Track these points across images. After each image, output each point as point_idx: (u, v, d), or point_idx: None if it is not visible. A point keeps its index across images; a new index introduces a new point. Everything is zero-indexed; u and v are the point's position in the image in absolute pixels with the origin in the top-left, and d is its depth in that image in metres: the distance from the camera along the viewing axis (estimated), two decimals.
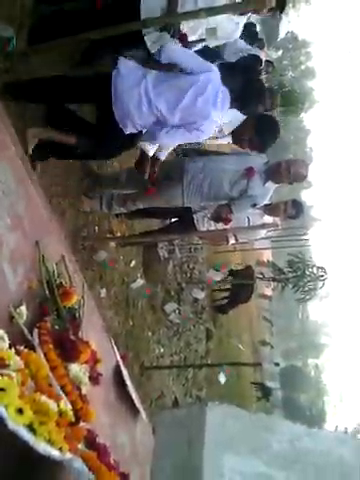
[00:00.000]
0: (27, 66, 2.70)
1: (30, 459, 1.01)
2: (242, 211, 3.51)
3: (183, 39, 2.63)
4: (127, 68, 2.51)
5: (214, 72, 2.53)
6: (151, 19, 2.34)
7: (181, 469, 0.77)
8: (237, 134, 3.01)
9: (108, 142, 2.68)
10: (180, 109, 2.51)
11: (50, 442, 1.01)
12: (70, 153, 2.87)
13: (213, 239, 4.69)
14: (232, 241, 4.18)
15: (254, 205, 3.49)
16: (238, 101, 2.65)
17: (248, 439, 0.80)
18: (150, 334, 4.80)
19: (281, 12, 3.28)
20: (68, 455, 1.06)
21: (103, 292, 3.63)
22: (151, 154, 2.78)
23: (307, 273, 6.43)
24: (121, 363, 2.30)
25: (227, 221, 3.37)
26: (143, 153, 2.80)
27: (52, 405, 1.10)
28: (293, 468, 0.79)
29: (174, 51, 2.50)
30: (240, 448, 0.78)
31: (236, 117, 3.13)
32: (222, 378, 4.74)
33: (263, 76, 4.97)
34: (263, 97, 2.78)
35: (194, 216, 3.87)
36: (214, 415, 0.79)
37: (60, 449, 1.03)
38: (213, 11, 2.23)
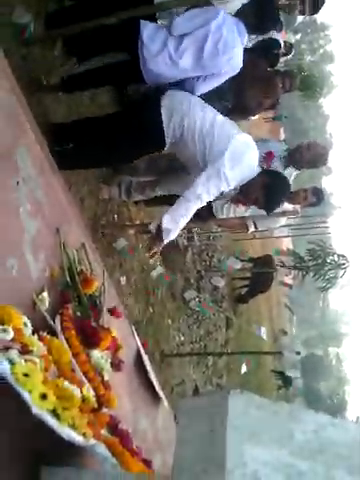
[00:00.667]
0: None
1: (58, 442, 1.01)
2: (264, 222, 3.47)
3: None
4: (149, 35, 2.52)
5: (221, 14, 2.52)
6: (167, 2, 2.30)
7: (203, 457, 0.76)
8: (245, 192, 2.70)
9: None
10: (205, 61, 2.51)
11: (74, 427, 1.01)
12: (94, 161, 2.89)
13: (232, 227, 4.63)
14: (252, 229, 4.12)
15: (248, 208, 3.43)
16: (255, 27, 2.64)
17: (271, 428, 0.78)
18: (170, 322, 4.82)
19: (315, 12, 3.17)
20: (91, 441, 1.07)
21: (123, 280, 3.64)
22: (172, 237, 2.65)
23: (328, 261, 6.34)
24: (142, 350, 2.31)
25: (246, 202, 3.27)
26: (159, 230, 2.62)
27: (75, 391, 1.11)
28: (317, 458, 0.77)
29: (180, 23, 2.51)
30: (263, 437, 0.76)
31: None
32: (243, 368, 4.74)
33: (282, 59, 4.84)
34: (277, 15, 2.79)
35: (212, 204, 3.84)
36: (236, 403, 0.78)
37: (84, 434, 1.03)
38: None
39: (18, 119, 1.39)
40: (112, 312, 1.74)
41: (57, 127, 2.74)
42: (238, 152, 2.50)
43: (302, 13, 2.88)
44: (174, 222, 2.57)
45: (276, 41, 3.86)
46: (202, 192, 2.51)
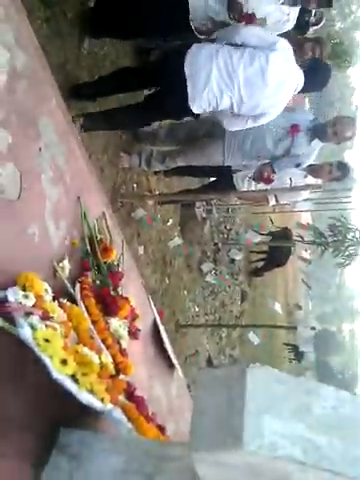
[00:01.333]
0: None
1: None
2: (285, 171, 3.37)
3: (251, 20, 2.60)
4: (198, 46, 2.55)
5: (282, 46, 2.54)
6: None
7: (221, 428, 0.77)
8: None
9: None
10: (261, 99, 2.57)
11: (92, 392, 1.04)
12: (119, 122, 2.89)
13: (253, 199, 4.57)
14: (273, 202, 4.06)
15: (298, 165, 3.35)
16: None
17: (290, 402, 0.78)
18: (186, 293, 4.86)
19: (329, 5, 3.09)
20: (109, 406, 1.09)
21: (141, 250, 3.66)
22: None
23: (348, 237, 6.24)
24: (158, 320, 2.34)
25: (269, 181, 3.25)
26: None
27: (94, 357, 1.13)
28: (335, 434, 0.77)
29: (248, 31, 2.53)
30: (281, 411, 0.76)
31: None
32: (255, 339, 4.77)
33: (312, 29, 4.64)
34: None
35: (234, 176, 3.78)
36: (255, 377, 0.78)
37: (102, 400, 1.06)
38: None
39: (41, 85, 1.37)
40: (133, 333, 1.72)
41: (81, 85, 2.77)
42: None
43: None
44: None
45: (307, 9, 3.69)
46: None
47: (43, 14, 2.50)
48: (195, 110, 2.61)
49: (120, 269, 1.68)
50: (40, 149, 1.33)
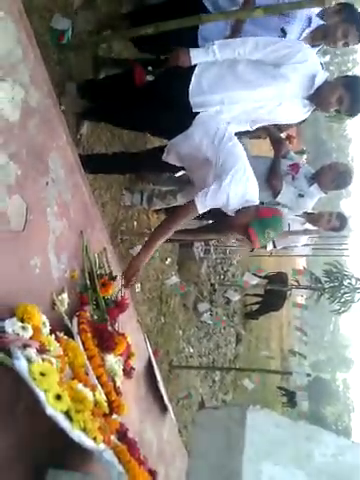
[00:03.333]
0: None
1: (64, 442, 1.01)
2: (288, 199, 3.37)
3: None
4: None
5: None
6: (206, 16, 2.32)
7: (218, 472, 0.74)
8: (321, 97, 2.42)
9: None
10: None
11: (85, 431, 1.01)
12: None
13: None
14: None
15: (301, 195, 3.36)
16: None
17: (290, 448, 0.76)
18: (181, 333, 4.80)
19: None
20: (101, 446, 1.06)
21: (138, 287, 3.65)
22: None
23: (344, 284, 6.25)
24: (153, 359, 2.30)
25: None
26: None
27: (88, 394, 1.11)
28: None
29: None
30: (281, 456, 0.74)
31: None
32: (249, 385, 4.68)
33: None
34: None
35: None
36: (255, 420, 0.76)
37: (94, 439, 1.03)
38: (271, 9, 2.18)
39: (52, 122, 1.41)
40: (119, 303, 1.67)
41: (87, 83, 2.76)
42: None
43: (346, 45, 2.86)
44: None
45: None
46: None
47: (56, 56, 2.61)
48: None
49: (118, 304, 1.68)
50: (47, 183, 1.36)
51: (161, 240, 2.19)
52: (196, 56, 2.27)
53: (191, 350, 5.02)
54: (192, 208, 2.19)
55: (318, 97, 2.41)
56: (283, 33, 2.53)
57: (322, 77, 2.39)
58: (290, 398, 8.91)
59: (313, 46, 2.65)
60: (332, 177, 3.27)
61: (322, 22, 2.71)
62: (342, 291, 6.22)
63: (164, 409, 2.34)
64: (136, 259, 2.15)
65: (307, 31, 2.66)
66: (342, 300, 6.29)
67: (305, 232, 3.72)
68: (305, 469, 0.76)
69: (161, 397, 2.28)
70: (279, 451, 0.76)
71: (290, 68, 2.26)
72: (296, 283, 6.90)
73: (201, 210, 2.20)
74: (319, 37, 2.69)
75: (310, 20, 2.64)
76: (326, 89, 2.39)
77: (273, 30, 2.50)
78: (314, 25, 2.67)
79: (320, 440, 0.79)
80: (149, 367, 2.25)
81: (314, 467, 0.77)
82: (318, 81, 2.37)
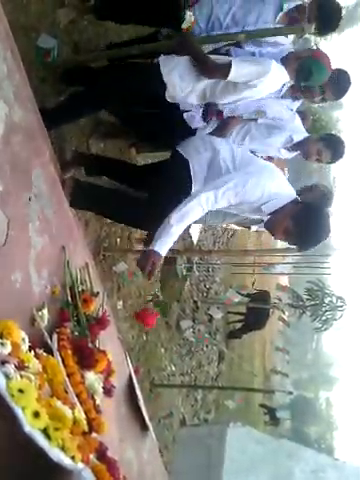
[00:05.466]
0: None
1: (42, 463, 0.99)
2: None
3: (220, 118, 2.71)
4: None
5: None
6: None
7: None
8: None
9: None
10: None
11: (63, 449, 0.99)
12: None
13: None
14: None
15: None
16: None
17: (270, 465, 0.77)
18: (163, 351, 4.75)
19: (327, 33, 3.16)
20: (80, 465, 1.04)
21: (120, 304, 3.62)
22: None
23: (326, 302, 6.31)
24: (134, 377, 2.28)
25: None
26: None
27: (67, 412, 1.09)
28: None
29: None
30: (261, 473, 0.75)
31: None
32: (231, 404, 4.64)
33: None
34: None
35: None
36: (236, 436, 0.77)
37: (72, 458, 1.01)
38: (253, 35, 2.25)
39: (36, 138, 1.43)
40: (100, 320, 1.65)
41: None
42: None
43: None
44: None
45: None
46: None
47: (41, 74, 2.63)
48: None
49: (100, 321, 1.66)
50: (30, 199, 1.36)
51: None
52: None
53: (173, 368, 4.97)
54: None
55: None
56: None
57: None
58: (272, 415, 8.86)
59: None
60: (311, 198, 3.30)
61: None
62: (323, 309, 6.28)
63: (145, 428, 2.31)
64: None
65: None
66: (323, 318, 6.35)
67: (286, 250, 3.74)
68: None
69: (142, 416, 2.25)
70: (260, 468, 0.77)
71: None
72: (278, 301, 6.94)
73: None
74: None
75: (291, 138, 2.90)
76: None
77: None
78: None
79: (301, 457, 0.80)
80: (130, 385, 2.22)
81: None
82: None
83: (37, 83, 2.56)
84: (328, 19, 2.53)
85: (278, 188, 2.28)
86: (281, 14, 2.54)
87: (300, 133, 2.93)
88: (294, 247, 2.76)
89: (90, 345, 1.48)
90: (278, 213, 2.24)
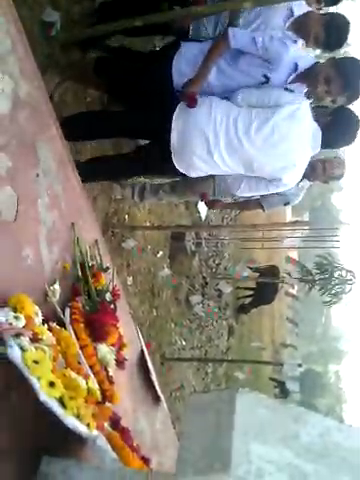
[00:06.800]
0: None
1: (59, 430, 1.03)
2: (274, 208, 3.43)
3: None
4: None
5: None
6: (196, 8, 2.31)
7: (208, 453, 0.77)
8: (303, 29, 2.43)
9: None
10: None
11: (78, 417, 1.03)
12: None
13: (247, 208, 4.36)
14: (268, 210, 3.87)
15: (287, 203, 3.40)
16: None
17: (278, 428, 0.78)
18: (173, 326, 4.83)
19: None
20: (94, 432, 1.08)
21: (130, 280, 3.66)
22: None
23: (335, 276, 6.32)
24: (145, 351, 2.32)
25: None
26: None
27: (81, 382, 1.12)
28: (322, 461, 0.78)
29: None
30: (269, 436, 0.77)
31: None
32: (241, 375, 4.72)
33: None
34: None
35: None
36: (244, 402, 0.78)
37: (87, 425, 1.05)
38: (259, 1, 2.18)
39: (42, 114, 1.42)
40: (111, 292, 1.69)
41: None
42: None
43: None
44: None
45: None
46: None
47: (45, 49, 2.60)
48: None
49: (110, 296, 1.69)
50: (38, 175, 1.36)
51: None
52: None
53: (183, 342, 5.05)
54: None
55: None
56: (266, 79, 2.42)
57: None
58: (282, 389, 9.01)
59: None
60: (322, 173, 3.20)
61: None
62: (333, 283, 6.28)
63: (157, 400, 2.37)
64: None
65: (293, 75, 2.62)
66: (333, 292, 6.36)
67: (295, 223, 3.73)
68: (292, 448, 0.78)
69: (154, 388, 2.30)
70: (267, 431, 0.79)
71: None
72: (287, 275, 6.96)
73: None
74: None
75: (296, 65, 2.53)
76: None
77: (253, 77, 2.42)
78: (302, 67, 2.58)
79: (307, 421, 0.82)
80: (142, 359, 2.27)
81: (301, 446, 0.79)
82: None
83: (41, 59, 2.54)
84: (336, 37, 2.47)
85: None
86: (292, 19, 2.48)
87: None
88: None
89: (102, 318, 1.49)
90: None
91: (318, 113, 2.49)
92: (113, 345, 1.59)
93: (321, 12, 2.79)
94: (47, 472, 1.14)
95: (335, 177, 3.29)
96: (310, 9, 2.66)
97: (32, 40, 2.10)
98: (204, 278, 6.12)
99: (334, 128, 2.49)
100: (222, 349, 6.78)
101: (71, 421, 1.01)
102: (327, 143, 2.57)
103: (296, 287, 8.18)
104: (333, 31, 2.47)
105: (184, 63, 2.40)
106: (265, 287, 7.61)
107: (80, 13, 2.87)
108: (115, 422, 1.38)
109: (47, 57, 2.65)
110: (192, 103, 2.30)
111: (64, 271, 1.48)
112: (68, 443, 1.22)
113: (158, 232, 4.15)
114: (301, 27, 2.56)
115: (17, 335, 1.03)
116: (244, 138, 2.35)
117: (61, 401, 1.00)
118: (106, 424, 1.27)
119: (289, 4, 2.46)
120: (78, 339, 1.31)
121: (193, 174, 2.59)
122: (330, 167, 3.15)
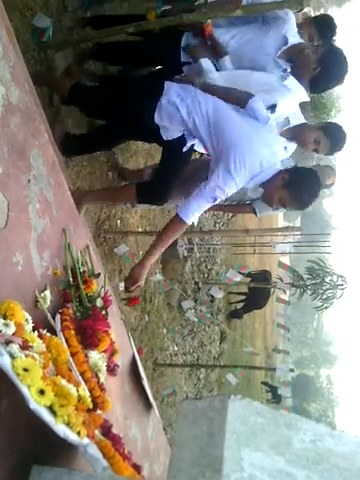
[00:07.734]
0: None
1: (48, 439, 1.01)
2: (266, 213, 3.44)
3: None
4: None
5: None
6: (187, 15, 2.33)
7: (200, 460, 0.76)
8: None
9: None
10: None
11: (69, 425, 1.02)
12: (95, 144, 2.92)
13: (239, 212, 4.37)
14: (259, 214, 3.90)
15: (277, 208, 3.41)
16: None
17: (269, 435, 0.78)
18: (165, 331, 4.81)
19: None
20: (85, 440, 1.07)
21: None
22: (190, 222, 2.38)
23: (326, 281, 6.36)
24: (137, 357, 2.31)
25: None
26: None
27: (72, 389, 1.11)
28: (315, 468, 0.77)
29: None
30: (261, 443, 0.77)
31: None
32: (232, 379, 4.70)
33: None
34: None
35: None
36: (236, 408, 0.78)
37: (78, 433, 1.04)
38: (250, 9, 2.21)
39: (34, 119, 1.41)
40: (103, 298, 1.69)
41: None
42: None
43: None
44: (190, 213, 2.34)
45: None
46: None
47: (37, 55, 2.59)
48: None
49: (101, 302, 1.68)
50: (29, 181, 1.36)
51: (158, 251, 2.46)
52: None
53: (175, 348, 5.03)
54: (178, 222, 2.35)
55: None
56: None
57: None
58: (274, 393, 9.00)
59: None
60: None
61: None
62: (324, 288, 6.32)
63: (149, 406, 2.35)
64: (135, 269, 2.38)
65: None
66: (324, 297, 6.40)
67: (286, 229, 3.75)
68: (285, 455, 0.78)
69: (146, 394, 2.29)
70: (259, 438, 0.79)
71: None
72: (279, 279, 6.98)
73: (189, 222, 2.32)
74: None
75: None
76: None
77: None
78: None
79: (299, 427, 0.82)
80: (133, 365, 2.26)
81: (293, 453, 0.79)
82: None
83: (33, 64, 2.54)
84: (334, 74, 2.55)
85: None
86: (284, 48, 2.49)
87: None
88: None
89: (93, 325, 1.49)
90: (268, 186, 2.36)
91: (306, 63, 2.50)
92: (104, 352, 1.58)
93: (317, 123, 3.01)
94: None
95: (326, 186, 3.34)
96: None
97: (24, 46, 2.11)
98: (196, 283, 6.12)
99: (326, 73, 2.52)
100: (214, 354, 6.77)
101: (62, 429, 1.00)
102: (322, 87, 2.69)
103: (288, 292, 8.20)
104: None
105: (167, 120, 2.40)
106: (257, 292, 7.63)
107: (72, 19, 2.87)
108: (106, 430, 1.37)
109: (40, 63, 2.65)
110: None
111: (55, 277, 1.47)
112: (59, 451, 1.21)
113: (150, 237, 4.14)
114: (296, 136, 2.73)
115: (7, 342, 1.02)
116: None
117: (51, 409, 0.99)
118: (97, 432, 1.26)
119: (284, 31, 2.46)
120: (69, 346, 1.30)
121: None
122: (321, 175, 3.17)
